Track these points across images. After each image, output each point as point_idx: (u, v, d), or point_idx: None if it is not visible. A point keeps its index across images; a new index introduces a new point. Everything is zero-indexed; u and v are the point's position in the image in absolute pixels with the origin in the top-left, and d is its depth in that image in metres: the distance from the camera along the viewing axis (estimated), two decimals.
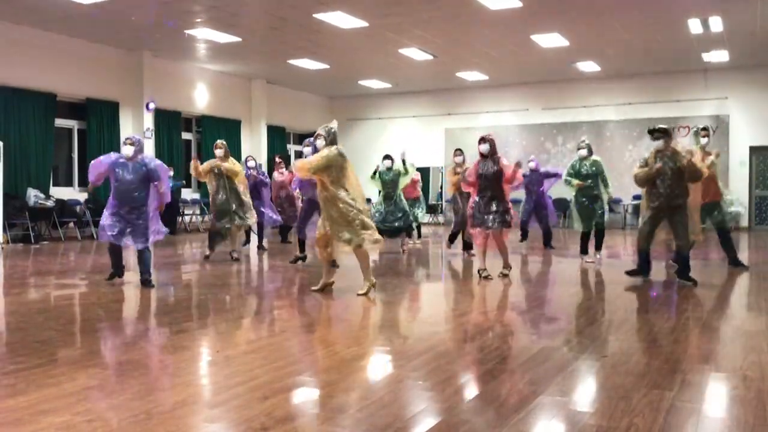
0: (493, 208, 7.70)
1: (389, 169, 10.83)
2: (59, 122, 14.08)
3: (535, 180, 11.68)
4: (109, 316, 5.77)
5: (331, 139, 6.53)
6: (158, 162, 7.13)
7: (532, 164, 11.82)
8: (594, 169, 9.32)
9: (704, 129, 8.56)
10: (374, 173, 10.86)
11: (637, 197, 15.45)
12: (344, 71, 17.34)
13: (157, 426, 2.92)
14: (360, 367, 4.13)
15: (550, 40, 13.79)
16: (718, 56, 15.46)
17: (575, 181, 9.28)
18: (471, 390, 3.57)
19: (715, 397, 3.47)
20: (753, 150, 17.06)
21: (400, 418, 3.06)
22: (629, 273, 7.64)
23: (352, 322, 5.67)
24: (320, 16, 11.86)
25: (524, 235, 12.17)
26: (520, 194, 11.92)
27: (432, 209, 19.53)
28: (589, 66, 16.59)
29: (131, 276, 7.54)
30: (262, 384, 3.56)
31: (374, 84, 19.08)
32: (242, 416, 3.07)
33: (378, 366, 4.19)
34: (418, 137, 20.22)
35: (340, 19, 12.09)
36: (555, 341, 4.68)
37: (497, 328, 5.39)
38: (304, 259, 9.31)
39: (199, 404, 3.32)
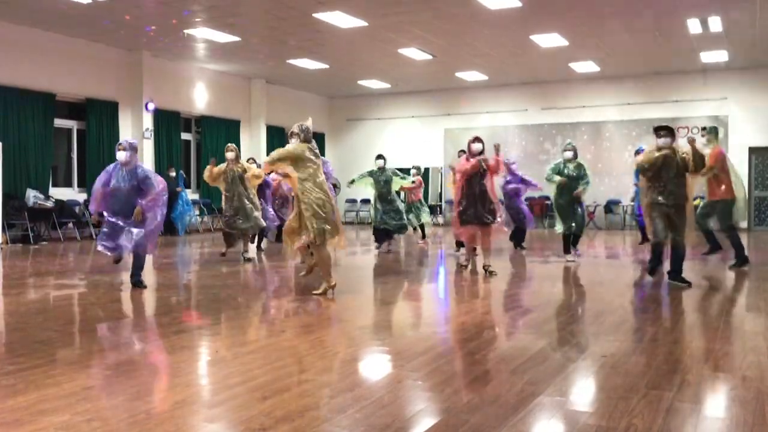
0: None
1: (381, 169, 10.94)
2: (58, 122, 14.05)
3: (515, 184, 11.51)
4: (109, 316, 5.77)
5: (305, 137, 6.65)
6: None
7: (513, 166, 11.68)
8: (577, 171, 9.48)
9: (703, 129, 8.74)
10: (353, 180, 11.16)
11: None
12: (344, 71, 17.33)
13: (157, 426, 2.92)
14: (359, 367, 4.14)
15: (550, 40, 13.78)
16: (717, 56, 15.45)
17: (557, 177, 9.37)
18: (470, 390, 3.57)
19: (715, 398, 3.47)
20: (752, 150, 17.05)
21: (399, 418, 3.06)
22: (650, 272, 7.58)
23: (352, 323, 5.67)
24: (320, 15, 11.86)
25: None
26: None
27: (431, 210, 19.45)
28: (588, 66, 16.58)
29: (128, 276, 7.51)
30: (261, 384, 3.56)
31: (374, 84, 19.07)
32: (242, 416, 3.07)
33: (377, 366, 4.19)
34: (418, 137, 20.24)
35: (339, 19, 12.09)
36: (554, 341, 4.68)
37: (496, 328, 5.39)
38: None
39: (198, 404, 3.32)
